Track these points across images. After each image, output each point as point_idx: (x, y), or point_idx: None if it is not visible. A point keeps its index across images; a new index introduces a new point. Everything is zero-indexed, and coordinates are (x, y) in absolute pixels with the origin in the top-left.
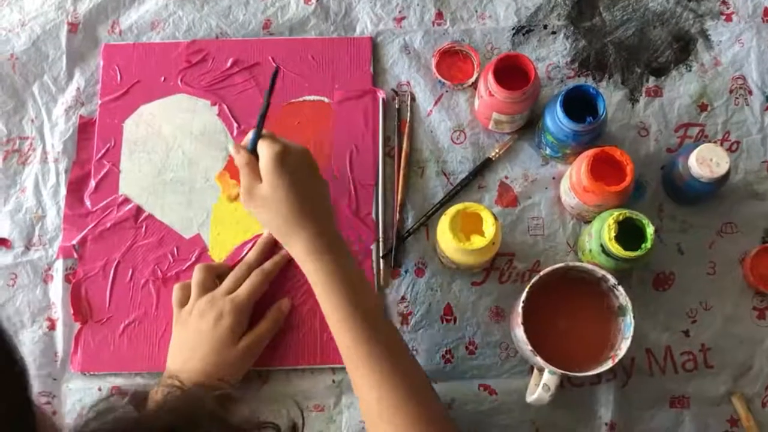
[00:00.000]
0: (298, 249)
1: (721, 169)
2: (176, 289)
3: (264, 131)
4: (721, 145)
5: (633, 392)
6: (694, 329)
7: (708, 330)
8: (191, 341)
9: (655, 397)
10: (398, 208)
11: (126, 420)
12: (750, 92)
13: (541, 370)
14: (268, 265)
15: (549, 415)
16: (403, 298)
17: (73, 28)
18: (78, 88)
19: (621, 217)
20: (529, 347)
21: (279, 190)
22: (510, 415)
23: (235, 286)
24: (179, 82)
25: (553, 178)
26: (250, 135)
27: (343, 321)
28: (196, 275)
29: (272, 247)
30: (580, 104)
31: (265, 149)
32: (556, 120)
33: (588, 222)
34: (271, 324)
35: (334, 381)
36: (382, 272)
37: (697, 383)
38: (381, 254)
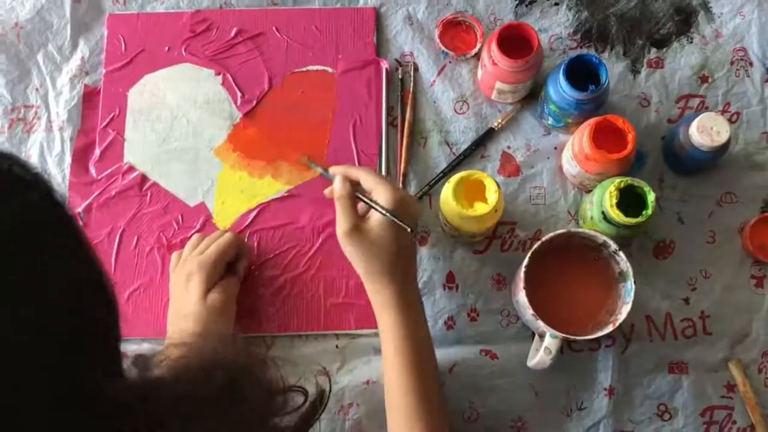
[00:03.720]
0: (385, 297)
1: (722, 137)
2: (173, 256)
3: (379, 173)
4: (722, 115)
5: (632, 358)
6: (693, 297)
7: (707, 298)
8: (176, 302)
9: (654, 362)
10: (401, 178)
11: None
12: (751, 64)
13: (542, 336)
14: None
15: (549, 380)
16: None
17: None
18: (82, 57)
19: (622, 184)
20: (531, 311)
21: (391, 235)
22: (510, 379)
23: (206, 247)
24: (183, 52)
25: (555, 147)
26: (339, 169)
27: (402, 374)
28: (189, 241)
29: None
30: (582, 74)
31: (388, 191)
32: (559, 89)
33: (589, 191)
34: (235, 277)
35: (337, 346)
36: None
37: (695, 350)
38: None
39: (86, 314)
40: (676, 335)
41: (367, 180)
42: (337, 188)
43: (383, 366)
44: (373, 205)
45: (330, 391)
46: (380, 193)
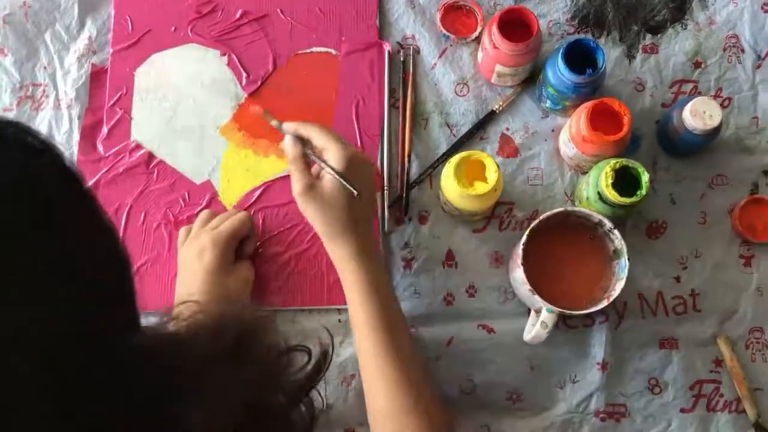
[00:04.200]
0: (343, 252)
1: (714, 121)
2: (182, 231)
3: (331, 131)
4: (714, 100)
5: (624, 333)
6: (684, 275)
7: (698, 276)
8: (187, 275)
9: (645, 338)
10: (407, 158)
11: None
12: (742, 51)
13: (538, 311)
14: None
15: (544, 354)
16: (406, 244)
17: None
18: (90, 37)
19: (618, 165)
20: (528, 286)
21: (344, 194)
22: (507, 352)
23: (220, 223)
24: (189, 32)
25: (553, 130)
26: (292, 126)
27: (369, 326)
28: (199, 217)
29: None
30: (580, 58)
31: (337, 151)
32: (558, 72)
33: (585, 173)
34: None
35: (340, 320)
36: (386, 220)
37: (686, 326)
38: (389, 203)
39: (104, 279)
40: (667, 312)
41: (319, 139)
42: (288, 149)
43: (351, 321)
44: (323, 165)
45: (333, 349)
46: (330, 153)
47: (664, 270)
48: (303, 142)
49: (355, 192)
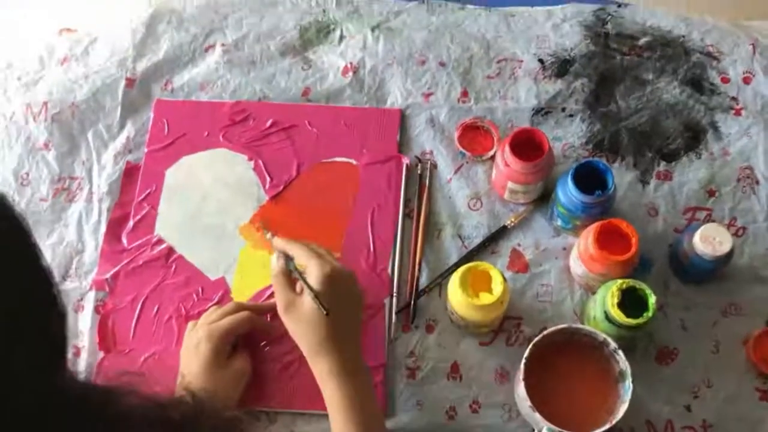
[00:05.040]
0: (324, 368)
1: (724, 248)
2: (189, 325)
3: (312, 246)
4: (728, 229)
5: None
6: (695, 405)
7: (710, 407)
8: (186, 366)
9: None
10: (417, 266)
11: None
12: (757, 182)
13: (540, 430)
14: (253, 305)
15: None
16: (411, 352)
17: (130, 83)
18: (128, 137)
19: (624, 286)
20: (529, 403)
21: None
22: None
23: (219, 317)
24: (221, 138)
25: (564, 248)
26: (280, 243)
27: None
28: (205, 313)
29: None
30: (590, 180)
31: (317, 268)
32: (568, 192)
33: (595, 293)
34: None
35: None
36: (393, 326)
37: None
38: (396, 309)
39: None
40: None
41: (300, 256)
42: (272, 266)
43: None
44: (302, 282)
45: None
46: (311, 270)
47: (674, 398)
48: (288, 258)
49: (325, 311)
